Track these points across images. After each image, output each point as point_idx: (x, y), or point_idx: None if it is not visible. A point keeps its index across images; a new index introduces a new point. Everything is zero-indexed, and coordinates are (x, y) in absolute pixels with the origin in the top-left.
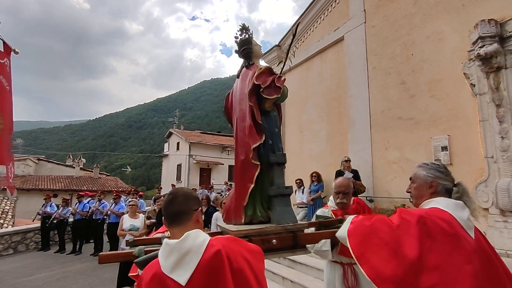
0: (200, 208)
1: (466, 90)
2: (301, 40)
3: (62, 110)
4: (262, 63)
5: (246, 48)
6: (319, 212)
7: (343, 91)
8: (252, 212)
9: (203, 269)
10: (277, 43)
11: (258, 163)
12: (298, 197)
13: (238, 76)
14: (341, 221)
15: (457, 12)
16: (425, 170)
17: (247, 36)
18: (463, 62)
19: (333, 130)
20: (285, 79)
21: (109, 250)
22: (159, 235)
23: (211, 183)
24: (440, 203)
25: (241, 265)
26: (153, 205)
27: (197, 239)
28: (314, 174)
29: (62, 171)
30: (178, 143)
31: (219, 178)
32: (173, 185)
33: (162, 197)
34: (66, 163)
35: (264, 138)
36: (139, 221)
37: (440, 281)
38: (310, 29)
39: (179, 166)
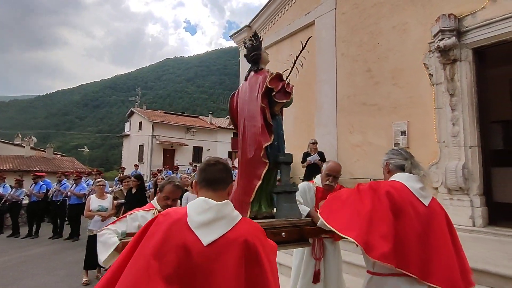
0: (232, 184)
1: (425, 80)
2: (271, 22)
3: (5, 83)
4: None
5: (255, 54)
6: (304, 184)
7: (312, 76)
8: (258, 208)
9: (226, 240)
10: (247, 24)
11: (267, 161)
12: None
13: (245, 79)
14: None
15: (422, 5)
16: (384, 156)
17: (257, 43)
18: (424, 53)
19: (301, 114)
20: (293, 85)
21: (70, 233)
22: (140, 212)
23: (176, 164)
24: (396, 177)
25: (259, 251)
26: (118, 186)
27: (234, 212)
28: None
29: (10, 151)
30: (140, 123)
31: (183, 159)
32: (136, 166)
33: (129, 177)
34: (15, 142)
35: (273, 138)
36: (107, 201)
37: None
38: (282, 12)
39: (141, 146)
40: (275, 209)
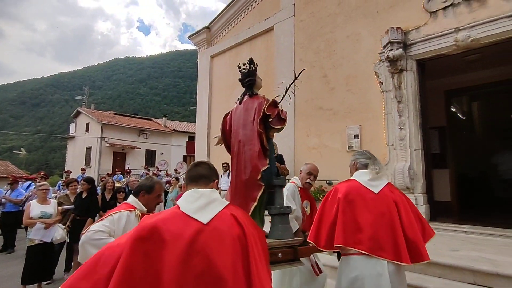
0: (217, 181)
1: (376, 87)
2: (231, 25)
3: None
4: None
5: (251, 79)
6: (292, 186)
7: (271, 80)
8: None
9: (221, 217)
10: (206, 25)
11: (263, 184)
12: (224, 181)
13: (240, 102)
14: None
15: (373, 18)
16: (351, 157)
17: (253, 68)
18: (375, 62)
19: None
20: (287, 112)
21: (3, 245)
22: (125, 212)
23: (127, 167)
24: (355, 175)
25: (251, 231)
26: (62, 190)
27: (220, 197)
28: None
29: None
30: (87, 124)
31: (135, 163)
32: (82, 169)
33: (76, 181)
34: None
35: (268, 162)
36: (51, 207)
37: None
38: (241, 15)
39: (88, 149)
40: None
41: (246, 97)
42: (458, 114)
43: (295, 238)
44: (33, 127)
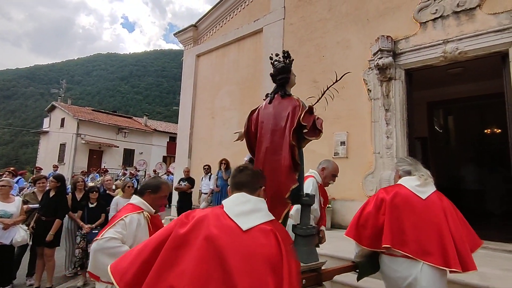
0: (264, 188)
1: (364, 94)
2: (219, 24)
3: None
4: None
5: (285, 76)
6: (313, 181)
7: (258, 82)
8: None
9: (262, 230)
10: (193, 23)
11: (290, 202)
12: (205, 184)
13: (270, 102)
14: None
15: (363, 25)
16: (394, 165)
17: (289, 63)
18: (364, 70)
19: (245, 119)
20: (323, 121)
21: None
22: (135, 215)
23: (103, 166)
24: (401, 180)
25: (290, 257)
26: (30, 188)
27: (267, 209)
28: (223, 162)
29: None
30: (63, 119)
31: (112, 162)
32: (55, 166)
33: (44, 178)
34: None
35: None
36: (14, 205)
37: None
38: (230, 15)
39: (62, 145)
40: None
41: (277, 97)
42: (439, 126)
43: (319, 261)
44: (3, 120)
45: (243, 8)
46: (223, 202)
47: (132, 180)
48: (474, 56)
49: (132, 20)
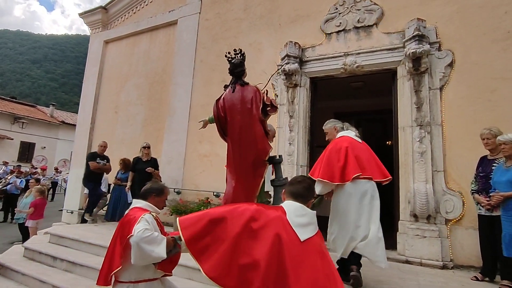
0: (311, 201)
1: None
2: (132, 10)
3: None
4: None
5: (241, 69)
6: None
7: (168, 77)
8: (260, 200)
9: (313, 240)
10: (103, 5)
11: (268, 162)
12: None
13: (233, 91)
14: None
15: (275, 29)
16: (328, 124)
17: (242, 58)
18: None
19: (152, 116)
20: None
21: None
22: (147, 214)
23: None
24: (344, 133)
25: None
26: None
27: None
28: (121, 162)
29: None
30: None
31: (5, 156)
32: None
33: None
34: None
35: None
36: None
37: None
38: (145, 2)
39: None
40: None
41: (237, 86)
42: None
43: None
44: None
45: None
46: (285, 208)
47: (20, 182)
48: (370, 71)
49: None
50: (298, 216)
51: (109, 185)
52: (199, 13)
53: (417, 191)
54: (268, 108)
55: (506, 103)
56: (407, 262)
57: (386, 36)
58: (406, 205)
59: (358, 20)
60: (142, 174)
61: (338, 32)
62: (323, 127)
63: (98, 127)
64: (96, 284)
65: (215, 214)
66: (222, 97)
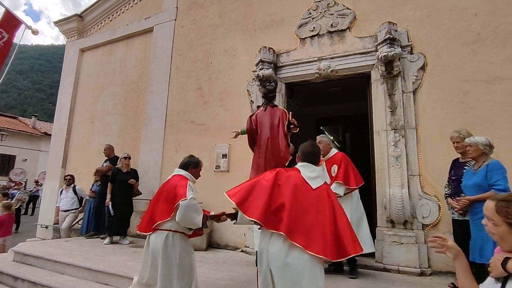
0: (323, 160)
1: (248, 105)
2: (108, 18)
3: None
4: None
5: (273, 94)
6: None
7: (144, 85)
8: None
9: (322, 189)
10: (79, 13)
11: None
12: (65, 198)
13: (265, 110)
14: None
15: (250, 35)
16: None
17: (275, 86)
18: (248, 80)
19: (128, 125)
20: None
21: None
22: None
23: None
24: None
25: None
26: None
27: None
28: (96, 173)
29: None
30: None
31: None
32: None
33: None
34: None
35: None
36: None
37: None
38: (121, 9)
39: None
40: None
41: (268, 107)
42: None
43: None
44: None
45: (135, 4)
46: (299, 168)
47: None
48: (345, 75)
49: (38, 8)
50: (309, 172)
51: (81, 198)
52: (175, 20)
53: (393, 196)
54: (291, 126)
55: (478, 105)
56: (385, 270)
57: (359, 40)
58: (383, 211)
59: (332, 24)
60: (124, 185)
61: (312, 37)
62: (321, 139)
63: (74, 138)
64: (138, 230)
65: (250, 182)
66: (255, 114)
